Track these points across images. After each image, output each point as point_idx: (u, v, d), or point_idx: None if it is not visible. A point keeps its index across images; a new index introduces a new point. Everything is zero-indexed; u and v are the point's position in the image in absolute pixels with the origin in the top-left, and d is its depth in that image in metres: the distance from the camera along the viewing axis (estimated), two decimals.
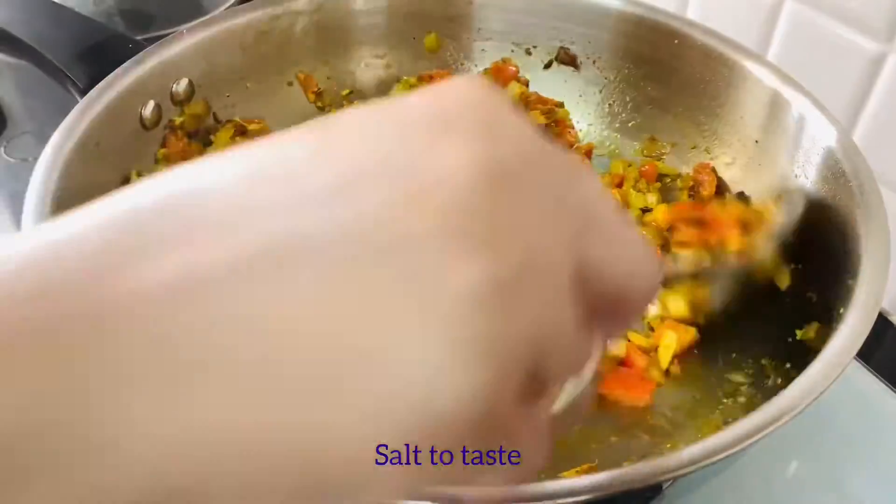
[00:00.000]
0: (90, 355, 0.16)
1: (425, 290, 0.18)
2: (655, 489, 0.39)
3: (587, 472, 0.45)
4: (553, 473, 0.46)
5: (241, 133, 0.62)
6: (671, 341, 0.52)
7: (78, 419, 0.16)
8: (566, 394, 0.21)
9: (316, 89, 0.67)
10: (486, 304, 0.18)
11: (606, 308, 0.22)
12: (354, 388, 0.17)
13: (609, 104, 0.69)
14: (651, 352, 0.53)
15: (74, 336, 0.16)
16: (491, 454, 0.20)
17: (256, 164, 0.19)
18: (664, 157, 0.66)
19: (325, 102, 0.67)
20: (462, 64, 0.71)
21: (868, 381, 0.58)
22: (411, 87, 0.67)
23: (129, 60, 0.57)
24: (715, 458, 0.36)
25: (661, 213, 0.60)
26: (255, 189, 0.18)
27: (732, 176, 0.62)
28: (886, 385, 0.58)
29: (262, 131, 0.63)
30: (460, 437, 0.18)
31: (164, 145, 0.59)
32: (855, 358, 0.41)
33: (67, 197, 0.48)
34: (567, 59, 0.69)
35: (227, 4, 0.83)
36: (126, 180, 0.57)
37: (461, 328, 0.18)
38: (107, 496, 0.16)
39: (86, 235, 0.17)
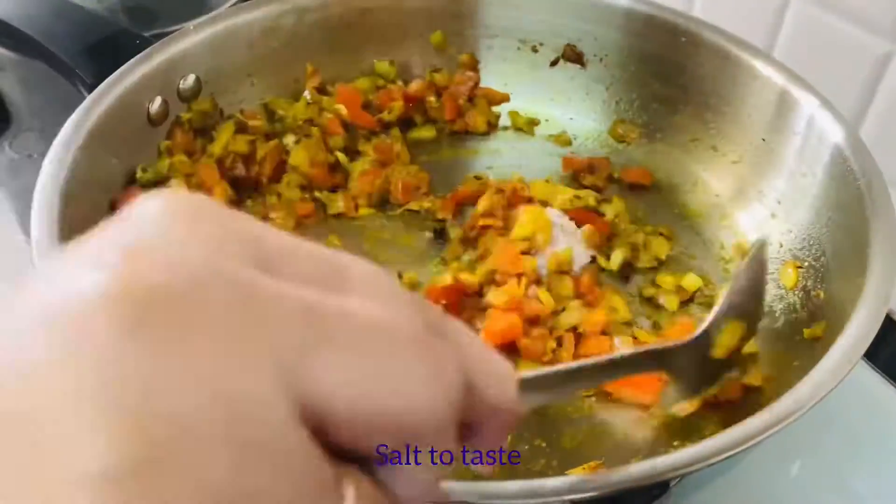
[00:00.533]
0: None
1: (45, 471, 0.15)
2: (662, 487, 0.39)
3: (594, 469, 0.45)
4: (560, 471, 0.46)
5: (242, 130, 0.62)
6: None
7: None
8: None
9: (318, 85, 0.67)
10: (113, 492, 0.14)
11: (400, 441, 0.18)
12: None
13: (615, 102, 0.69)
14: None
15: None
16: None
17: None
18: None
19: (315, 99, 0.66)
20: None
21: (873, 381, 0.58)
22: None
23: (137, 56, 0.57)
24: (722, 456, 0.36)
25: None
26: None
27: (740, 174, 0.62)
28: (892, 384, 0.58)
29: (262, 128, 0.63)
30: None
31: (168, 138, 0.60)
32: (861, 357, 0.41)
33: (75, 191, 0.48)
34: (573, 56, 0.69)
35: (232, 1, 0.83)
36: (132, 175, 0.57)
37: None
38: None
39: None
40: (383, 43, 0.69)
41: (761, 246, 0.45)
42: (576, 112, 0.70)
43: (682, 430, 0.49)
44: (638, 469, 0.35)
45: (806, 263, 0.54)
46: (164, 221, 0.18)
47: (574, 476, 0.36)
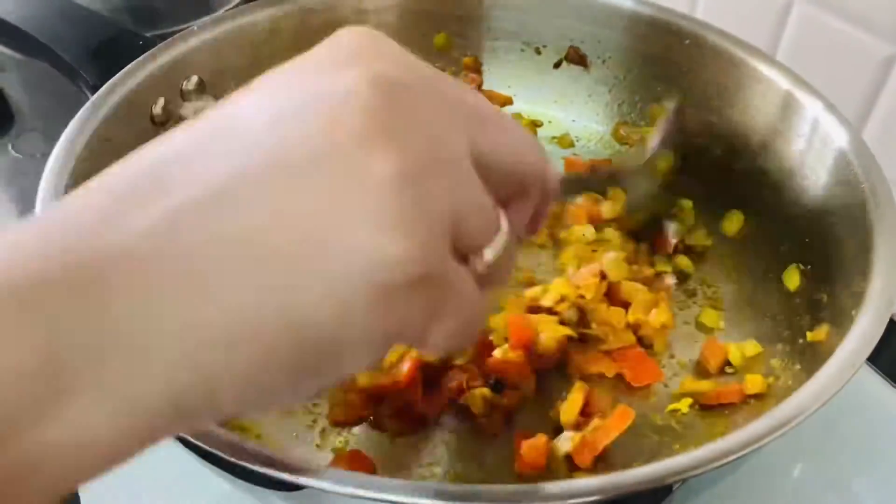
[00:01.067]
0: (113, 282, 0.20)
1: (352, 184, 0.22)
2: (665, 490, 0.39)
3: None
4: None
5: None
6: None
7: (108, 333, 0.20)
8: (487, 256, 0.27)
9: None
10: (403, 187, 0.23)
11: (511, 191, 0.29)
12: (316, 268, 0.22)
13: (618, 104, 0.69)
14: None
15: (98, 268, 0.20)
16: (440, 304, 0.25)
17: (210, 126, 0.24)
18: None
19: None
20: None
21: (875, 383, 0.58)
22: None
23: (140, 57, 0.57)
24: (726, 460, 0.36)
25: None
26: (211, 140, 0.23)
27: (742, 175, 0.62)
28: (895, 387, 0.58)
29: None
30: (406, 292, 0.23)
31: None
32: None
33: None
34: (577, 58, 0.69)
35: (235, 2, 0.83)
36: None
37: (387, 208, 0.22)
38: (134, 405, 0.21)
39: (96, 196, 0.23)
40: None
41: (677, 101, 0.62)
42: (578, 114, 0.70)
43: (684, 434, 0.49)
44: (641, 473, 0.35)
45: (809, 266, 0.54)
46: (391, 44, 0.26)
47: (576, 480, 0.36)
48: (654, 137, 0.57)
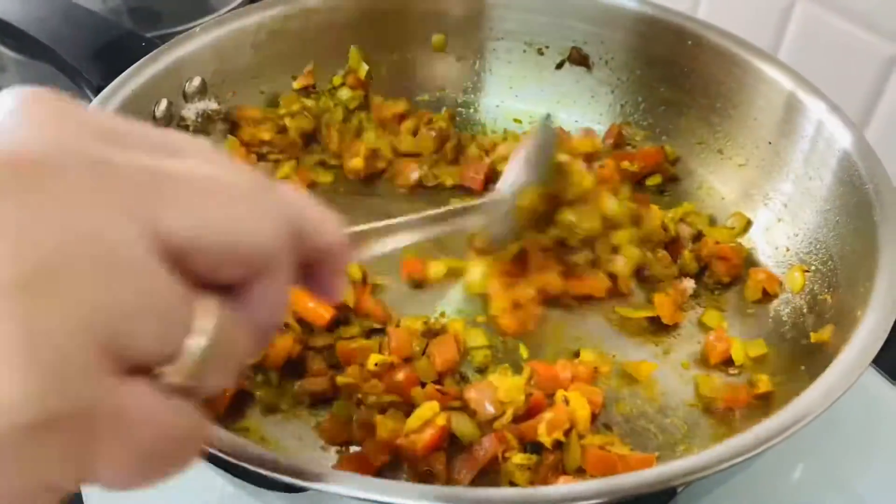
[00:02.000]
0: None
1: None
2: (670, 493, 0.39)
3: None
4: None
5: (232, 130, 0.63)
6: None
7: None
8: (191, 355, 0.22)
9: (310, 85, 0.67)
10: (14, 301, 0.18)
11: (240, 273, 0.24)
12: None
13: (621, 105, 0.69)
14: None
15: None
16: (87, 442, 0.20)
17: None
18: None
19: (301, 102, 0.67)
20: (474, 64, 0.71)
21: (877, 383, 0.58)
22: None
23: (143, 59, 0.57)
24: (731, 463, 0.35)
25: None
26: None
27: (746, 177, 0.62)
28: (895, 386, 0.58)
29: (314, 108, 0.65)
30: (31, 439, 0.19)
31: None
32: None
33: None
34: (579, 59, 0.69)
35: (235, 3, 0.82)
36: None
37: None
38: None
39: None
40: (384, 47, 0.69)
41: (546, 117, 0.53)
42: (581, 114, 0.70)
43: (687, 436, 0.49)
44: (646, 476, 0.35)
45: (813, 267, 0.54)
46: (14, 107, 0.21)
47: (579, 484, 0.36)
48: (509, 173, 0.51)
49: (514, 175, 0.51)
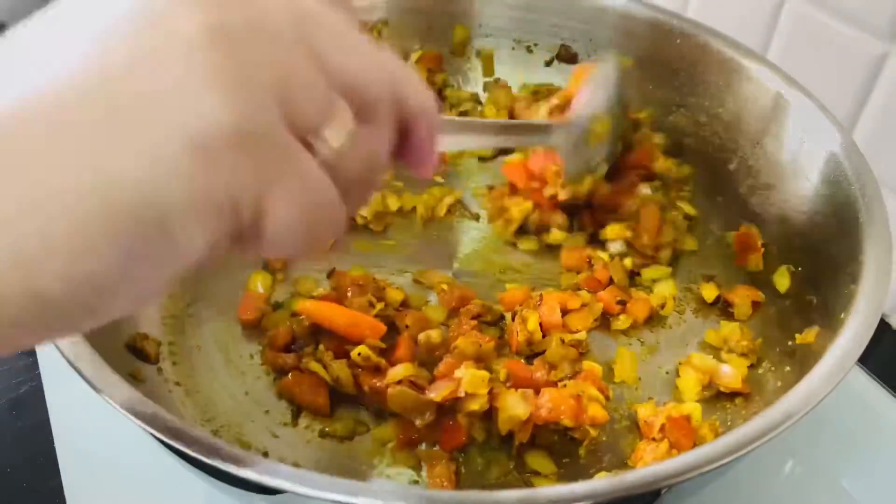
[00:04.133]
0: None
1: (160, 41, 0.22)
2: (654, 493, 0.39)
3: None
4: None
5: None
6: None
7: None
8: (329, 139, 0.26)
9: None
10: (212, 44, 0.22)
11: (358, 106, 0.27)
12: (128, 127, 0.21)
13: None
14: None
15: None
16: (273, 170, 0.24)
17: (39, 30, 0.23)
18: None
19: None
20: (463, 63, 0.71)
21: (864, 383, 0.58)
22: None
23: None
24: (716, 465, 0.35)
25: None
26: (34, 47, 0.22)
27: (734, 176, 0.62)
28: (882, 386, 0.58)
29: None
30: (228, 150, 0.22)
31: None
32: None
33: None
34: (568, 56, 0.69)
35: None
36: None
37: (200, 65, 0.22)
38: None
39: None
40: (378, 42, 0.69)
41: (612, 58, 0.59)
42: None
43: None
44: (630, 478, 0.35)
45: (799, 268, 0.54)
46: None
47: (565, 485, 0.36)
48: (582, 97, 0.55)
49: (584, 104, 0.54)
